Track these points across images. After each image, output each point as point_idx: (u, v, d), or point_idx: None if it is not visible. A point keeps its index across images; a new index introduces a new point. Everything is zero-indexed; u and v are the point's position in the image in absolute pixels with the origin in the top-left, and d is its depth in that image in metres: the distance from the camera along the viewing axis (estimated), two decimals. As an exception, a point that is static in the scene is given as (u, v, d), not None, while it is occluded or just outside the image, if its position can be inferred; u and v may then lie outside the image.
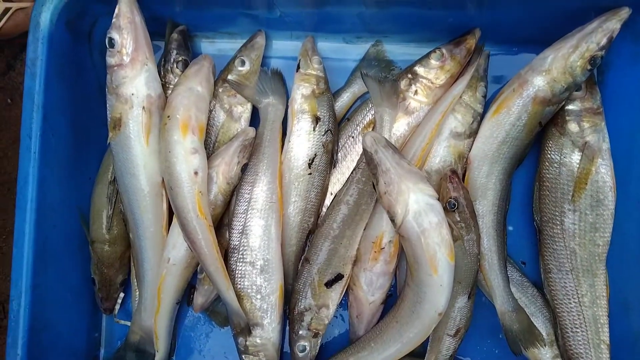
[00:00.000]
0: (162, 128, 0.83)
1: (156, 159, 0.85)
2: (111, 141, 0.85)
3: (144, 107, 0.84)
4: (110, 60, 0.84)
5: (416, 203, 0.73)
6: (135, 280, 0.93)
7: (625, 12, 0.77)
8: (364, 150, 0.78)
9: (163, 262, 0.87)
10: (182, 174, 0.81)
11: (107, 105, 0.86)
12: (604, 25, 0.77)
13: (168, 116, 0.82)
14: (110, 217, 0.92)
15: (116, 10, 0.83)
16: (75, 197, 0.92)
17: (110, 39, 0.83)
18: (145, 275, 0.89)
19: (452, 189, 0.80)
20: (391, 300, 0.90)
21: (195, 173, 0.81)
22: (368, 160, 0.78)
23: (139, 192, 0.86)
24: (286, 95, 0.92)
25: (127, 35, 0.83)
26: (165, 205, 0.88)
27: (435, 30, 0.91)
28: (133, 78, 0.83)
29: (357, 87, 0.95)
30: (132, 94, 0.84)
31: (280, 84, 0.92)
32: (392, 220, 0.76)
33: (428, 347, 0.85)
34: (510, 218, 0.91)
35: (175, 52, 0.91)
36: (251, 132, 0.88)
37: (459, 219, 0.80)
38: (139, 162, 0.85)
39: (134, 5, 0.83)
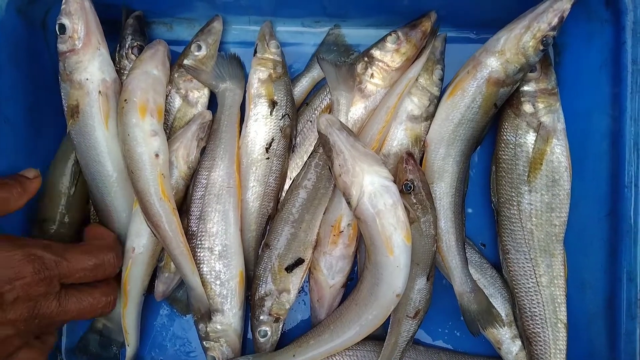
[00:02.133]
0: (119, 112, 0.82)
1: (115, 143, 0.84)
2: (70, 129, 0.84)
3: (100, 92, 0.83)
4: (62, 46, 0.83)
5: (371, 184, 0.73)
6: None
7: (575, -8, 0.77)
8: (319, 132, 0.78)
9: (127, 252, 0.86)
10: (142, 156, 0.80)
11: (62, 93, 0.85)
12: (554, 5, 0.78)
13: (125, 100, 0.81)
14: (71, 198, 0.90)
15: None
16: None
17: (61, 25, 0.82)
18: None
19: (408, 171, 0.80)
20: (352, 284, 0.90)
21: (157, 155, 0.81)
22: (323, 143, 0.78)
23: (107, 178, 0.85)
24: (244, 80, 0.91)
25: (77, 20, 0.82)
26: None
27: (393, 13, 0.90)
28: (87, 63, 0.83)
29: (316, 72, 0.94)
30: (87, 79, 0.83)
31: (239, 68, 0.91)
32: (348, 203, 0.76)
33: (388, 329, 0.85)
34: (469, 200, 0.91)
35: (130, 37, 0.90)
36: (208, 114, 0.88)
37: (415, 201, 0.80)
38: (102, 148, 0.84)
39: None
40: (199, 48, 0.90)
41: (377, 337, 0.87)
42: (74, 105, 0.83)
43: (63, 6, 0.81)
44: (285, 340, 0.92)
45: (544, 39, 0.79)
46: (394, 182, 0.76)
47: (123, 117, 0.81)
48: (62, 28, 0.82)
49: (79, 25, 0.82)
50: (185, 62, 0.90)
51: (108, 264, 0.79)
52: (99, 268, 0.77)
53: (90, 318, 0.91)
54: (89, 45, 0.82)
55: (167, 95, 0.89)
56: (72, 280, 0.75)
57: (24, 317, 0.70)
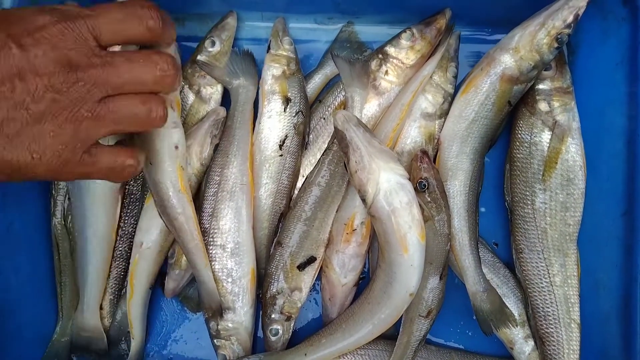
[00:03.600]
0: None
1: None
2: None
3: None
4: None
5: (387, 182, 0.73)
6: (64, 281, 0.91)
7: (591, -10, 0.77)
8: (335, 128, 0.77)
9: (135, 246, 0.86)
10: (163, 148, 0.79)
11: None
12: (570, 2, 0.77)
13: None
14: None
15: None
16: (40, 183, 0.90)
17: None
18: (88, 277, 0.88)
19: (423, 169, 0.80)
20: (364, 283, 0.89)
21: (176, 147, 0.80)
22: (339, 139, 0.77)
23: (95, 194, 0.85)
24: (257, 77, 0.91)
25: None
26: (119, 211, 0.88)
27: (407, 10, 0.90)
28: None
29: (329, 69, 0.94)
30: None
31: (252, 64, 0.91)
32: (363, 200, 0.75)
33: (400, 329, 0.84)
34: (483, 199, 0.91)
35: None
36: (222, 111, 0.88)
37: (429, 199, 0.80)
38: None
39: None
40: (213, 44, 0.90)
41: (388, 337, 0.86)
42: None
43: None
44: (297, 339, 0.92)
45: (559, 36, 0.78)
46: (409, 179, 0.76)
47: None
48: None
49: None
50: (199, 58, 0.90)
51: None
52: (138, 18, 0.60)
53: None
54: None
55: (180, 91, 0.88)
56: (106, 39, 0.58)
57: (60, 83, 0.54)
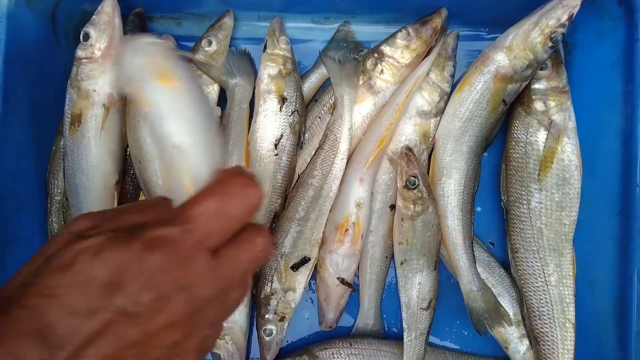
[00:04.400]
0: (128, 102, 0.82)
1: (107, 158, 0.85)
2: (67, 137, 0.85)
3: (104, 105, 0.83)
4: (80, 52, 0.84)
5: None
6: None
7: (585, -11, 0.77)
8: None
9: None
10: (151, 146, 0.80)
11: (67, 99, 0.85)
12: (564, 1, 0.77)
13: None
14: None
15: (98, 8, 0.83)
16: (37, 182, 0.90)
17: (86, 33, 0.83)
18: None
19: (411, 167, 0.80)
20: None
21: None
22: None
23: (91, 191, 0.85)
24: (254, 76, 0.91)
25: (103, 33, 0.83)
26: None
27: (403, 10, 0.90)
28: (99, 74, 0.83)
29: (325, 69, 0.93)
30: (94, 90, 0.83)
31: (249, 64, 0.91)
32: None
33: (404, 327, 0.85)
34: (479, 199, 0.90)
35: (130, 33, 0.90)
36: (217, 110, 0.88)
37: (419, 195, 0.80)
38: (92, 161, 0.84)
39: (117, 7, 0.84)
40: (210, 43, 0.90)
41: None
42: (77, 114, 0.83)
43: (94, 17, 0.83)
44: (292, 338, 0.92)
45: (553, 35, 0.78)
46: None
47: (133, 106, 0.81)
48: (86, 36, 0.83)
49: (103, 37, 0.83)
50: (196, 57, 0.90)
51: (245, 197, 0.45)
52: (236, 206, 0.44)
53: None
54: (107, 58, 0.83)
55: (176, 90, 0.89)
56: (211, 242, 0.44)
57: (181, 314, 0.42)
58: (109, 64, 0.84)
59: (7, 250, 0.83)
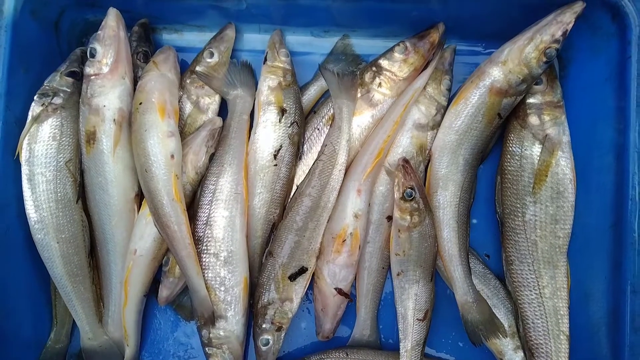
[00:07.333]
0: (135, 112, 0.83)
1: (124, 173, 0.86)
2: (85, 155, 0.85)
3: (114, 120, 0.84)
4: (89, 69, 0.85)
5: None
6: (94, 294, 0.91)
7: (579, 6, 0.79)
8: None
9: (129, 253, 0.87)
10: (158, 156, 0.80)
11: (80, 117, 0.86)
12: (558, 18, 0.79)
13: (140, 102, 0.83)
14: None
15: (103, 23, 0.85)
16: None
17: (93, 49, 0.84)
18: (113, 290, 0.89)
19: (408, 178, 0.82)
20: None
21: (172, 156, 0.82)
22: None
23: (110, 207, 0.86)
24: (255, 88, 0.92)
25: (109, 48, 0.84)
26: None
27: (402, 24, 0.92)
28: (108, 89, 0.84)
29: (324, 81, 0.95)
30: (104, 106, 0.84)
31: (250, 76, 0.92)
32: None
33: (400, 338, 0.86)
34: (474, 211, 0.92)
35: (135, 43, 0.91)
36: (218, 121, 0.89)
37: (416, 206, 0.81)
38: (109, 176, 0.85)
39: (120, 20, 0.85)
40: (211, 55, 0.92)
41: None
42: (92, 131, 0.84)
43: (99, 32, 0.84)
44: (289, 348, 0.92)
45: (547, 51, 0.80)
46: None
47: (140, 117, 0.82)
48: (93, 52, 0.84)
49: (110, 52, 0.84)
50: (198, 68, 0.91)
51: None
52: None
53: None
54: (115, 73, 0.84)
55: (178, 101, 0.90)
56: None
57: None
58: (118, 78, 0.85)
59: (6, 258, 0.84)
